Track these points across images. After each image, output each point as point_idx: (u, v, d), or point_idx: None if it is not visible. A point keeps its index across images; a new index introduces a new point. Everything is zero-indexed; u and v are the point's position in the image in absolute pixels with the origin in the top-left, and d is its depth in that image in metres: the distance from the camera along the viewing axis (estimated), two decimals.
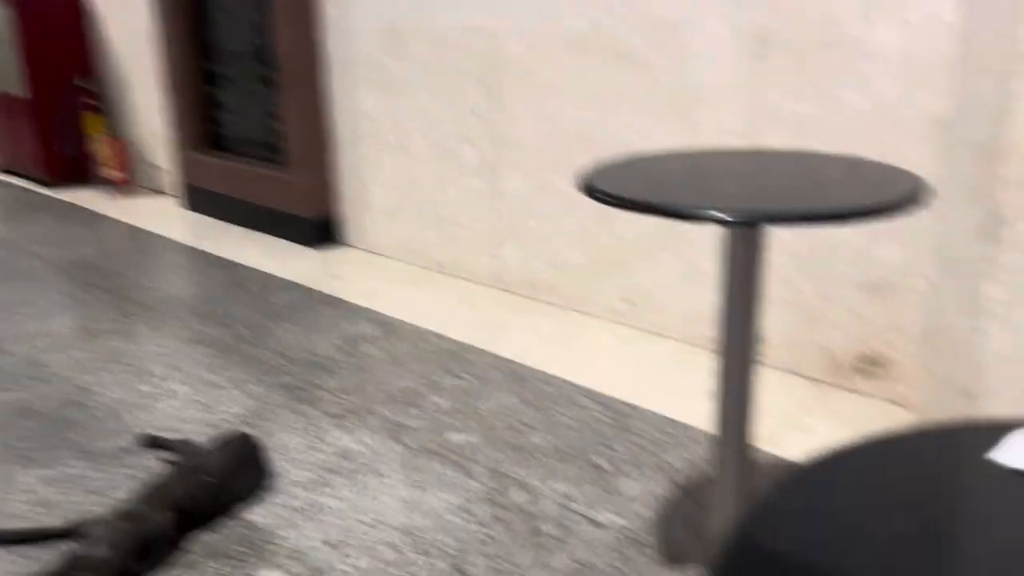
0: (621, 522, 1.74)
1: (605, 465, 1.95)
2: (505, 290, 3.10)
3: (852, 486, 0.74)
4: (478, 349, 2.60)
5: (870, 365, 2.20)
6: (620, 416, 2.16)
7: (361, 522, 1.77)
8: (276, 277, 3.36)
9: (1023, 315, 1.64)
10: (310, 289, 3.21)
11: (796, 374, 2.36)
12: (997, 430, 0.81)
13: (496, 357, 2.53)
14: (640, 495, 1.83)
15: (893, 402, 2.18)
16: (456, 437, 2.09)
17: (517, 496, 1.85)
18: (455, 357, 2.55)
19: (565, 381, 2.36)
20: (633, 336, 2.68)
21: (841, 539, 0.67)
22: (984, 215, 1.67)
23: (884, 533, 0.68)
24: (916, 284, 2.06)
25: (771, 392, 2.27)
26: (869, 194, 1.18)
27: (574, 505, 1.81)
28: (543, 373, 2.41)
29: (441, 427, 2.14)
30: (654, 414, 2.17)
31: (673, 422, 2.12)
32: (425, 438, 2.09)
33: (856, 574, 0.62)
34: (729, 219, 1.11)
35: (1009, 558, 0.65)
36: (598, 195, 1.21)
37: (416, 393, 2.33)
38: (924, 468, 0.77)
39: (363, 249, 3.65)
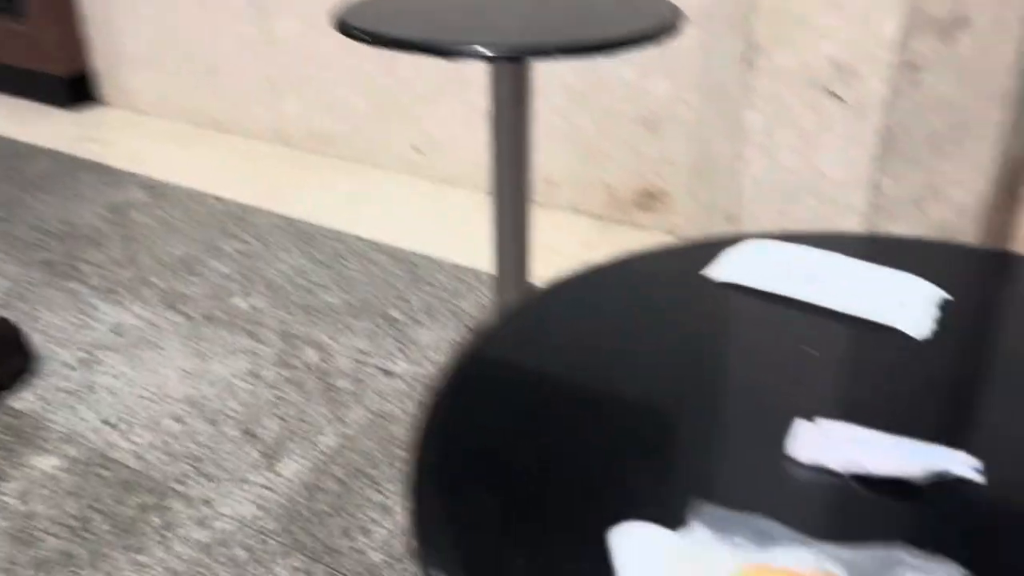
0: (416, 370, 1.76)
1: (399, 317, 1.94)
2: (288, 145, 2.93)
3: (570, 309, 0.76)
4: (261, 210, 2.47)
5: (648, 199, 2.30)
6: (414, 268, 2.15)
7: (142, 398, 1.68)
8: (25, 144, 2.99)
9: (777, 140, 1.74)
10: (66, 155, 2.89)
11: (579, 211, 2.43)
12: (717, 247, 0.85)
13: (281, 217, 2.42)
14: (434, 342, 1.85)
15: (669, 233, 2.30)
16: (241, 302, 2.01)
17: (309, 356, 1.81)
18: (236, 220, 2.41)
19: (357, 237, 2.30)
20: (425, 186, 2.64)
21: (553, 358, 0.68)
22: (743, 44, 1.72)
23: (598, 349, 0.70)
24: (685, 115, 2.14)
25: (555, 230, 2.33)
26: (628, 25, 1.17)
27: (369, 359, 1.80)
28: (333, 230, 2.34)
29: (224, 293, 2.04)
30: (447, 263, 2.17)
31: (466, 269, 2.14)
32: (207, 306, 1.99)
33: (565, 390, 0.64)
34: (490, 54, 1.07)
35: (703, 365, 0.69)
36: (352, 32, 1.13)
37: (195, 260, 2.19)
38: (642, 288, 0.80)
39: (123, 107, 3.32)
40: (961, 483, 0.55)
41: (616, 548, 0.47)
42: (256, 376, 1.74)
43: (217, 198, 2.54)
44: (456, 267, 2.15)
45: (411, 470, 0.55)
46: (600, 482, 0.54)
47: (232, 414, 1.64)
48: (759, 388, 0.66)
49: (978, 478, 0.56)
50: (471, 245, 2.26)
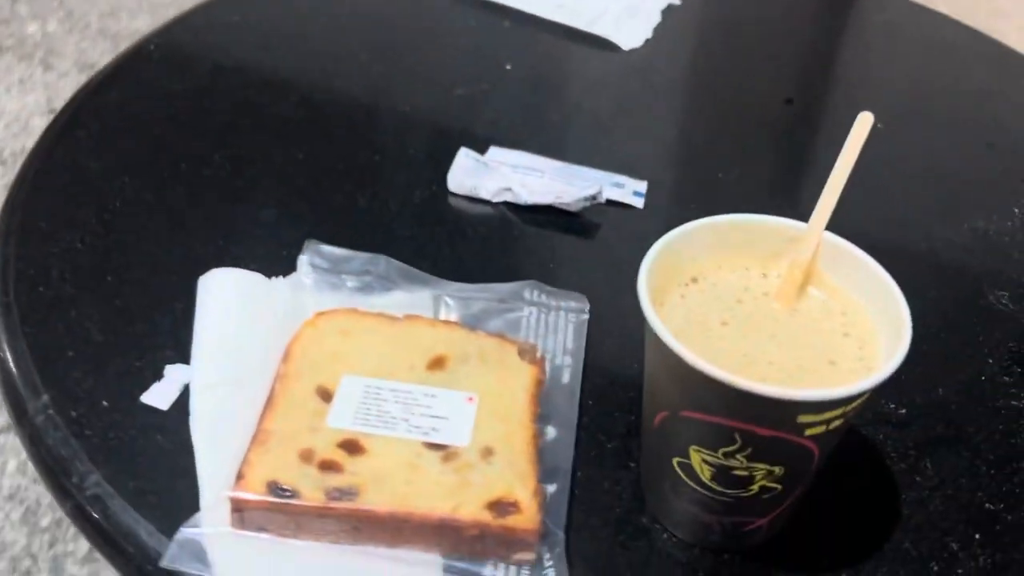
0: None
1: None
2: None
3: (249, 15, 0.68)
4: None
5: None
6: None
7: None
8: None
9: None
10: None
11: None
12: None
13: None
14: None
15: None
16: (34, 28, 1.80)
17: None
18: None
19: None
20: None
21: (209, 73, 0.61)
22: None
23: (267, 61, 0.63)
24: None
25: None
26: None
27: None
28: None
29: (14, 18, 1.82)
30: None
31: None
32: None
33: (203, 115, 0.58)
34: None
35: (386, 81, 0.62)
36: None
37: None
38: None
39: None
40: (619, 208, 0.53)
41: (201, 294, 0.43)
42: (54, 111, 1.60)
43: None
44: None
45: None
46: (209, 221, 0.50)
47: (27, 152, 1.52)
48: (437, 112, 0.60)
49: (636, 202, 0.53)
50: None
